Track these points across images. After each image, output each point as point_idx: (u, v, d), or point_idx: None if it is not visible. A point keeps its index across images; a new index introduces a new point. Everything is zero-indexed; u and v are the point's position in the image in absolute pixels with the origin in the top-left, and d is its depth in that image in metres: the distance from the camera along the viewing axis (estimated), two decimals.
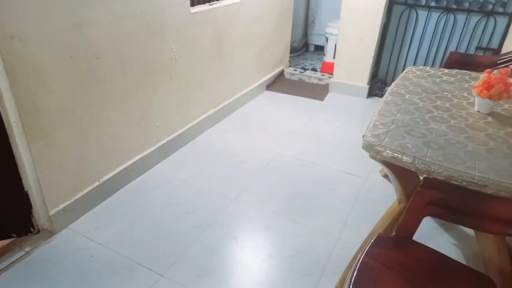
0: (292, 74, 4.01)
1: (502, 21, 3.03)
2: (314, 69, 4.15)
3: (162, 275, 1.62)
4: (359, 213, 2.05)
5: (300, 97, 3.57)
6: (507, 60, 2.40)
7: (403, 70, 3.48)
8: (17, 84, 1.46)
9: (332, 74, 3.73)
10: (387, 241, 1.20)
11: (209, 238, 1.84)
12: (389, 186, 2.28)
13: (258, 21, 3.22)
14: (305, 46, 4.93)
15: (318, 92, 3.69)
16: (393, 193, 1.82)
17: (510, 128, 1.44)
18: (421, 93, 1.74)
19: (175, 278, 1.61)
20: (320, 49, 4.78)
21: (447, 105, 1.62)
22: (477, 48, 3.20)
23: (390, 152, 1.24)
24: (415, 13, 3.29)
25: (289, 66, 4.18)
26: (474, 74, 2.02)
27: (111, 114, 1.95)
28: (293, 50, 4.38)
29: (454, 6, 3.13)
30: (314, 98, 3.56)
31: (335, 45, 3.73)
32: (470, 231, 1.89)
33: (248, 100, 3.42)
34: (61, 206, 1.79)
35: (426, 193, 1.19)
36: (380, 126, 1.41)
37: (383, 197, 2.18)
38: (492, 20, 3.06)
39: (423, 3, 3.22)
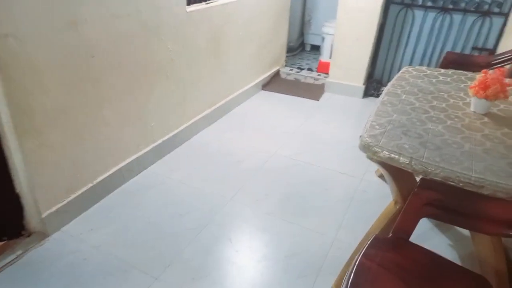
0: (288, 74, 3.99)
1: (498, 21, 3.04)
2: (310, 69, 4.14)
3: (156, 278, 1.60)
4: (354, 214, 2.05)
5: (296, 97, 3.56)
6: (502, 60, 2.41)
7: (399, 70, 3.48)
8: (10, 83, 1.44)
9: (328, 74, 3.72)
10: (384, 242, 1.18)
11: (204, 239, 1.82)
12: (384, 187, 2.27)
13: (254, 20, 3.21)
14: (301, 46, 4.92)
15: (314, 92, 3.68)
16: (389, 193, 1.81)
17: (506, 128, 1.43)
18: (418, 93, 1.73)
19: (170, 280, 1.59)
20: (316, 48, 4.77)
21: (444, 105, 1.62)
22: (473, 48, 3.21)
23: (387, 153, 1.23)
24: (412, 13, 3.29)
25: (285, 65, 4.16)
26: (470, 74, 2.02)
27: (107, 114, 1.93)
28: (289, 50, 4.37)
29: (451, 6, 3.13)
30: (310, 98, 3.55)
31: (331, 45, 3.72)
32: (466, 232, 1.89)
33: (244, 100, 3.40)
34: (54, 208, 1.77)
35: (423, 194, 1.18)
36: (377, 127, 1.40)
37: (378, 198, 2.17)
38: (488, 20, 3.07)
39: (420, 3, 3.22)
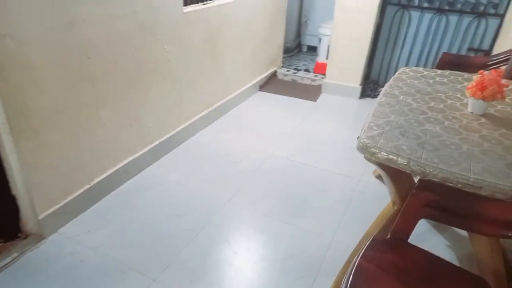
0: (285, 75, 3.99)
1: (493, 23, 3.06)
2: (307, 70, 4.14)
3: (154, 280, 1.59)
4: (352, 214, 2.05)
5: (293, 98, 3.56)
6: (498, 61, 2.42)
7: (395, 71, 3.50)
8: (7, 84, 1.42)
9: (325, 75, 3.73)
10: (382, 244, 1.18)
11: (202, 241, 1.81)
12: (382, 187, 2.28)
13: (251, 21, 3.20)
14: (298, 47, 4.93)
15: (311, 93, 3.69)
16: (387, 194, 1.81)
17: (504, 129, 1.44)
18: (415, 94, 1.74)
19: (168, 282, 1.58)
20: (313, 49, 4.78)
21: (441, 106, 1.62)
22: (469, 49, 3.23)
23: (385, 154, 1.24)
24: (408, 14, 3.30)
25: (282, 66, 4.17)
26: (466, 75, 2.03)
27: (103, 115, 1.92)
28: (286, 51, 4.38)
29: (447, 7, 3.15)
30: (307, 99, 3.55)
31: (328, 45, 3.72)
32: (464, 233, 1.89)
33: (241, 101, 3.40)
34: (51, 210, 1.75)
35: (421, 195, 1.18)
36: (375, 128, 1.40)
37: (376, 198, 2.18)
38: (483, 21, 3.09)
39: (416, 4, 3.23)
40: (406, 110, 1.56)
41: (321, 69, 3.95)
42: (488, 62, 2.46)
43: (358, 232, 1.75)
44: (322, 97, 3.64)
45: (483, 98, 1.51)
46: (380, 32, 3.45)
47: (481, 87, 1.50)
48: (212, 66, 2.81)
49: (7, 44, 1.38)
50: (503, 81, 1.53)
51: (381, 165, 1.33)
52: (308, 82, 3.90)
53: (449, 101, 1.68)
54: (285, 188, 2.24)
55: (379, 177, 2.35)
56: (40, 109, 1.58)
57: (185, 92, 2.56)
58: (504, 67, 2.35)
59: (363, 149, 1.30)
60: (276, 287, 1.59)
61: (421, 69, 2.10)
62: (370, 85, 3.64)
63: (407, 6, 3.27)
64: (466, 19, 3.14)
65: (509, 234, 1.12)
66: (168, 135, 2.49)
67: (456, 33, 3.21)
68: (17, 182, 1.59)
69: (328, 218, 2.01)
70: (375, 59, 3.59)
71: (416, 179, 1.56)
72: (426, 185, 1.19)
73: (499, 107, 1.64)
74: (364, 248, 1.16)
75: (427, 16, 3.25)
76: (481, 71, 1.56)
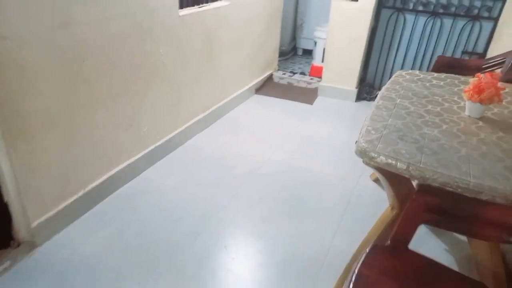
0: (281, 78, 3.99)
1: (487, 26, 3.08)
2: (302, 73, 4.14)
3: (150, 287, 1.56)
4: (350, 218, 2.03)
5: (289, 101, 3.56)
6: (493, 64, 2.43)
7: (391, 74, 3.54)
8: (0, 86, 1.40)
9: (320, 78, 3.73)
10: (382, 251, 1.17)
11: (199, 246, 1.79)
12: (380, 191, 2.27)
13: (247, 24, 3.20)
14: (294, 50, 4.93)
15: (307, 96, 3.68)
16: (385, 197, 1.80)
17: (501, 132, 1.44)
18: (412, 98, 1.73)
19: None
20: (308, 53, 4.78)
21: (438, 109, 1.62)
22: (463, 52, 3.24)
23: (384, 159, 1.22)
24: (403, 17, 3.31)
25: (278, 70, 4.16)
26: (463, 78, 2.03)
27: (98, 119, 1.89)
28: (281, 54, 4.37)
29: (441, 11, 3.16)
30: (303, 102, 3.54)
31: (324, 48, 3.73)
32: (461, 235, 1.89)
33: (238, 104, 3.38)
34: (44, 217, 1.72)
35: (421, 200, 1.17)
36: (373, 132, 1.39)
37: (374, 202, 2.17)
38: (477, 24, 3.10)
39: (411, 7, 3.25)
40: (404, 114, 1.56)
41: (317, 72, 3.95)
42: (483, 65, 2.47)
43: (357, 236, 1.74)
44: (318, 100, 3.63)
45: (481, 101, 1.50)
46: (375, 35, 3.46)
47: (478, 90, 1.50)
48: (208, 69, 2.79)
49: (1, 45, 1.35)
50: (500, 84, 1.53)
51: (380, 169, 1.32)
52: (304, 85, 3.90)
53: (446, 104, 1.67)
54: (282, 192, 2.22)
55: (376, 180, 2.34)
56: (33, 113, 1.54)
57: (181, 95, 2.54)
58: (499, 70, 2.36)
59: (362, 153, 1.29)
60: None
61: (417, 72, 2.10)
62: (366, 88, 3.65)
63: (402, 9, 3.28)
64: (461, 22, 3.16)
65: (511, 240, 1.11)
66: (164, 139, 2.46)
67: (451, 36, 3.23)
68: (9, 189, 1.55)
69: (326, 222, 2.00)
70: (371, 62, 3.60)
71: (414, 183, 1.56)
72: (426, 190, 1.18)
73: (496, 110, 1.64)
74: (364, 255, 1.14)
75: (422, 19, 3.26)
76: (478, 73, 1.56)
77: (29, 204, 1.64)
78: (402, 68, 3.50)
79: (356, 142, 1.36)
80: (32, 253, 1.68)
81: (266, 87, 3.83)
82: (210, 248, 1.78)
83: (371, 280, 1.05)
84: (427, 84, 1.91)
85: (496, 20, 3.03)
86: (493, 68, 2.40)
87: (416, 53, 3.41)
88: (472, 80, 1.54)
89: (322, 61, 3.78)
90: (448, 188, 1.13)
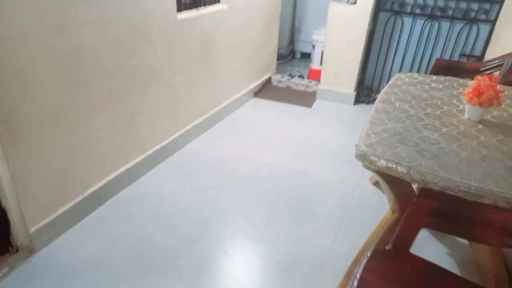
0: (279, 81, 3.99)
1: (484, 29, 3.09)
2: (301, 76, 4.14)
3: None
4: (350, 222, 2.03)
5: (288, 104, 3.55)
6: (491, 67, 2.44)
7: (389, 77, 3.54)
8: None
9: (319, 81, 3.73)
10: (384, 255, 1.16)
11: (199, 251, 1.77)
12: (379, 194, 2.26)
13: (245, 28, 3.20)
14: (292, 53, 4.94)
15: (305, 99, 3.68)
16: (384, 201, 1.80)
17: (501, 135, 1.44)
18: (411, 101, 1.73)
19: None
20: (306, 56, 4.79)
21: (438, 112, 1.62)
22: (461, 55, 3.25)
23: (385, 162, 1.22)
24: (401, 20, 3.32)
25: (276, 73, 4.16)
26: (461, 80, 2.04)
27: (96, 123, 1.88)
28: (279, 57, 4.38)
29: (439, 14, 3.18)
30: (302, 105, 3.54)
31: (322, 52, 3.73)
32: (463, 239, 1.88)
33: (236, 108, 3.38)
34: (42, 223, 1.70)
35: (422, 204, 1.17)
36: (373, 135, 1.39)
37: (374, 205, 2.16)
38: (475, 27, 3.12)
39: (408, 10, 3.26)
40: (403, 117, 1.56)
41: (315, 75, 3.95)
42: (481, 67, 2.48)
43: (357, 240, 1.73)
44: (317, 103, 3.64)
45: (480, 104, 1.50)
46: (373, 38, 3.46)
47: (478, 93, 1.50)
48: (206, 73, 2.79)
49: None
50: (499, 86, 1.53)
51: (380, 173, 1.32)
52: (302, 88, 3.90)
53: (445, 107, 1.67)
54: (282, 196, 2.22)
55: (376, 183, 2.34)
56: (30, 117, 1.53)
57: (179, 99, 2.53)
58: (497, 72, 2.37)
59: (362, 157, 1.29)
60: None
61: (416, 75, 2.10)
62: (364, 91, 3.65)
63: (399, 12, 3.29)
64: (458, 25, 3.17)
65: None
66: (163, 143, 2.45)
67: (448, 39, 3.24)
68: (7, 195, 1.54)
69: (326, 225, 1.99)
70: (369, 65, 3.60)
71: (414, 186, 1.56)
72: (427, 193, 1.18)
73: (495, 113, 1.64)
74: (366, 260, 1.14)
75: (419, 22, 3.27)
76: (477, 76, 1.56)
77: (27, 209, 1.63)
78: (400, 70, 3.50)
79: (356, 145, 1.35)
80: (31, 259, 1.67)
81: (265, 90, 3.83)
82: (210, 253, 1.77)
83: (372, 285, 1.05)
84: (426, 87, 1.91)
85: (493, 22, 3.04)
86: (491, 71, 2.41)
87: (414, 56, 3.42)
88: (471, 83, 1.54)
89: (321, 64, 3.78)
90: (449, 192, 1.13)
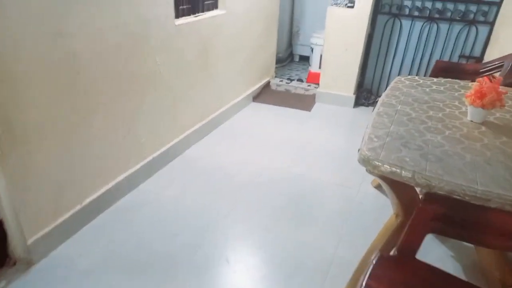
0: (278, 85, 3.98)
1: (483, 30, 3.09)
2: (300, 80, 4.13)
3: None
4: (353, 226, 2.00)
5: (287, 108, 3.54)
6: (491, 68, 2.43)
7: (388, 79, 3.53)
8: None
9: (318, 84, 3.72)
10: (389, 262, 1.14)
11: (200, 259, 1.75)
12: (381, 198, 2.24)
13: (243, 32, 3.19)
14: (290, 57, 4.93)
15: (305, 102, 3.67)
16: (387, 204, 1.78)
17: (504, 137, 1.42)
18: (413, 103, 1.72)
19: None
20: (304, 59, 4.78)
21: (440, 115, 1.60)
22: (460, 56, 3.25)
23: (388, 167, 1.20)
24: (399, 23, 3.32)
25: (275, 77, 4.15)
26: (462, 82, 2.02)
27: (95, 131, 1.86)
28: (278, 61, 4.37)
29: (437, 16, 3.17)
30: (301, 109, 3.53)
31: (321, 55, 3.72)
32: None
33: (235, 112, 3.36)
34: (40, 233, 1.67)
35: (428, 209, 1.14)
36: (375, 139, 1.37)
37: (376, 209, 2.14)
38: (474, 28, 3.11)
39: (407, 13, 3.25)
40: (406, 120, 1.54)
41: (314, 79, 3.94)
42: (481, 69, 2.47)
43: (361, 245, 1.71)
44: (316, 106, 3.62)
45: (483, 106, 1.49)
46: (372, 41, 3.46)
47: (480, 95, 1.48)
48: (205, 78, 2.77)
49: None
50: (501, 88, 1.52)
51: (383, 177, 1.29)
52: (301, 92, 3.89)
53: (447, 110, 1.65)
54: (283, 201, 2.19)
55: (378, 187, 2.32)
56: (26, 126, 1.51)
57: (178, 105, 2.51)
58: (497, 73, 2.36)
59: (365, 162, 1.26)
60: None
61: (416, 77, 2.09)
62: (364, 94, 3.64)
63: (398, 15, 3.29)
64: (457, 27, 3.16)
65: None
66: (162, 150, 2.43)
67: (447, 40, 3.24)
68: (3, 205, 1.51)
69: (329, 230, 1.96)
70: (368, 68, 3.59)
71: (418, 190, 1.54)
72: (432, 198, 1.15)
73: (498, 114, 1.62)
74: (371, 267, 1.11)
75: (418, 24, 3.27)
76: (479, 78, 1.54)
77: (25, 220, 1.60)
78: (399, 73, 3.50)
79: (358, 150, 1.33)
80: (29, 271, 1.63)
81: (264, 94, 3.82)
82: (211, 260, 1.74)
83: None
84: (427, 90, 1.89)
85: (492, 24, 3.04)
86: (491, 72, 2.40)
87: (413, 58, 3.41)
88: (474, 85, 1.53)
89: (319, 67, 3.77)
90: (455, 196, 1.10)
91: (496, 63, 2.40)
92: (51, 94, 1.59)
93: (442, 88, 1.93)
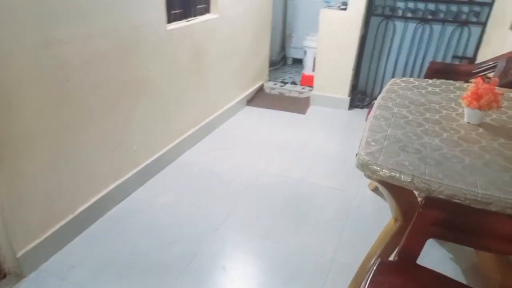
0: (272, 88, 3.96)
1: (476, 30, 3.10)
2: (294, 83, 4.12)
3: None
4: (351, 231, 1.98)
5: (281, 111, 3.52)
6: (485, 69, 2.43)
7: (382, 81, 3.53)
8: None
9: (312, 87, 3.70)
10: (390, 268, 1.12)
11: (195, 269, 1.71)
12: (379, 201, 2.22)
13: (236, 36, 3.16)
14: (283, 60, 4.92)
15: (299, 105, 3.65)
16: (384, 208, 1.76)
17: (502, 139, 1.41)
18: (409, 106, 1.70)
19: None
20: (297, 62, 4.77)
21: (437, 117, 1.58)
22: (453, 56, 3.25)
23: (387, 172, 1.17)
24: (392, 24, 3.32)
25: (269, 80, 4.13)
26: (457, 84, 2.01)
27: (86, 140, 1.81)
28: (271, 64, 4.35)
29: (430, 17, 3.18)
30: (296, 112, 3.51)
31: (314, 58, 3.71)
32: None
33: (230, 117, 3.33)
34: (30, 246, 1.62)
35: (428, 214, 1.12)
36: (373, 143, 1.34)
37: (374, 213, 2.12)
38: (466, 29, 3.12)
39: (400, 14, 3.25)
40: (403, 123, 1.52)
41: (308, 82, 3.93)
42: (475, 69, 2.47)
43: (360, 250, 1.68)
44: (311, 109, 3.60)
45: (480, 108, 1.47)
46: (366, 43, 3.45)
47: (477, 96, 1.47)
48: (198, 83, 2.74)
49: None
50: (497, 89, 1.51)
51: (382, 181, 1.27)
52: (296, 94, 3.87)
53: (444, 112, 1.64)
54: (279, 206, 2.16)
55: (375, 189, 2.30)
56: (16, 135, 1.46)
57: (171, 110, 2.48)
58: (491, 74, 2.36)
59: (363, 166, 1.24)
60: None
61: (412, 79, 2.07)
62: (358, 96, 3.63)
63: (391, 17, 3.29)
64: (449, 28, 3.17)
65: None
66: (155, 156, 2.39)
67: (440, 41, 3.24)
68: None
69: (327, 235, 1.94)
70: (362, 70, 3.59)
71: (416, 193, 1.52)
72: (432, 203, 1.13)
73: (494, 116, 1.61)
74: (372, 273, 1.09)
75: (411, 25, 3.27)
76: (475, 80, 1.53)
77: (14, 232, 1.55)
78: (393, 74, 3.49)
79: (356, 154, 1.31)
80: (19, 284, 1.58)
81: (258, 98, 3.79)
82: (207, 268, 1.71)
83: None
84: (423, 92, 1.88)
85: (484, 24, 3.05)
86: (485, 73, 2.40)
87: (406, 60, 3.41)
88: (470, 87, 1.51)
89: (313, 70, 3.76)
90: (455, 200, 1.08)
91: (490, 63, 2.40)
92: (41, 102, 1.54)
93: (437, 89, 1.92)
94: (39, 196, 1.63)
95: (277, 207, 2.15)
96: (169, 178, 2.42)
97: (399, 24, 3.30)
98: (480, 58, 3.05)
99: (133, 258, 1.75)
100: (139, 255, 1.77)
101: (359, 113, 3.52)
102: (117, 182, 2.08)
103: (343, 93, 3.54)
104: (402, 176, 1.15)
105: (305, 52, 4.06)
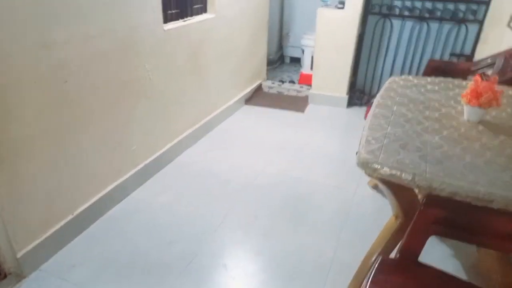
0: (270, 87, 3.95)
1: (473, 28, 3.11)
2: (292, 81, 4.12)
3: None
4: (351, 229, 1.98)
5: (280, 110, 3.52)
6: (483, 66, 2.44)
7: (380, 79, 3.54)
8: None
9: (310, 85, 3.70)
10: (392, 266, 1.12)
11: (196, 268, 1.71)
12: (379, 199, 2.23)
13: (233, 35, 3.16)
14: (281, 59, 4.92)
15: (298, 104, 3.65)
16: (385, 206, 1.76)
17: (503, 136, 1.41)
18: (408, 104, 1.70)
19: None
20: (295, 61, 4.77)
21: (437, 115, 1.59)
22: (451, 54, 3.26)
23: (388, 170, 1.17)
24: (390, 23, 3.32)
25: (267, 79, 4.13)
26: (456, 81, 2.02)
27: (85, 140, 1.81)
28: (269, 63, 4.35)
29: (427, 15, 3.18)
30: (294, 111, 3.51)
31: (312, 56, 3.71)
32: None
33: (228, 116, 3.32)
34: (31, 246, 1.62)
35: (429, 212, 1.13)
36: (373, 142, 1.34)
37: (374, 211, 2.12)
38: (463, 27, 3.13)
39: (397, 13, 3.26)
40: (402, 121, 1.52)
41: (306, 80, 3.93)
42: (473, 67, 2.48)
43: (360, 248, 1.68)
44: (310, 108, 3.61)
45: (479, 105, 1.48)
46: (363, 42, 3.46)
47: (476, 94, 1.48)
48: (196, 83, 2.73)
49: None
50: (498, 87, 1.51)
51: (383, 180, 1.27)
52: (294, 93, 3.87)
53: (443, 109, 1.64)
54: (279, 205, 2.16)
55: (375, 187, 2.30)
56: (15, 137, 1.46)
57: (169, 110, 2.47)
58: (489, 71, 2.37)
59: (364, 165, 1.24)
60: None
61: (410, 77, 2.08)
62: (357, 94, 3.64)
63: (388, 15, 3.29)
64: (447, 26, 3.18)
65: None
66: (154, 156, 2.38)
67: (438, 39, 3.25)
68: None
69: (327, 234, 1.94)
70: (360, 68, 3.59)
71: (416, 191, 1.52)
72: (434, 201, 1.14)
73: (494, 113, 1.62)
74: (373, 272, 1.09)
75: (408, 24, 3.28)
76: (475, 77, 1.53)
77: (14, 232, 1.54)
78: (391, 72, 3.50)
79: (356, 153, 1.31)
80: (20, 285, 1.58)
81: (256, 97, 3.79)
82: (208, 267, 1.71)
83: None
84: (422, 90, 1.88)
85: (481, 22, 3.06)
86: (483, 70, 2.41)
87: (404, 58, 3.42)
88: (469, 84, 1.52)
89: (311, 68, 3.76)
90: (456, 198, 1.09)
91: (488, 61, 2.41)
92: (41, 103, 1.54)
93: (436, 87, 1.92)
94: (39, 196, 1.63)
95: (277, 206, 2.15)
96: (168, 177, 2.41)
97: (397, 23, 3.30)
98: (477, 56, 3.06)
99: (133, 258, 1.75)
100: (139, 255, 1.77)
101: (357, 111, 3.53)
102: (117, 182, 2.08)
103: (341, 91, 3.55)
104: (403, 174, 1.15)
105: (302, 51, 4.06)
